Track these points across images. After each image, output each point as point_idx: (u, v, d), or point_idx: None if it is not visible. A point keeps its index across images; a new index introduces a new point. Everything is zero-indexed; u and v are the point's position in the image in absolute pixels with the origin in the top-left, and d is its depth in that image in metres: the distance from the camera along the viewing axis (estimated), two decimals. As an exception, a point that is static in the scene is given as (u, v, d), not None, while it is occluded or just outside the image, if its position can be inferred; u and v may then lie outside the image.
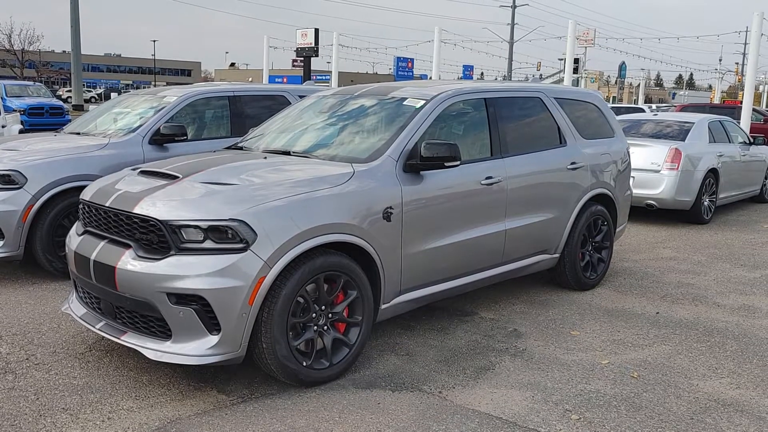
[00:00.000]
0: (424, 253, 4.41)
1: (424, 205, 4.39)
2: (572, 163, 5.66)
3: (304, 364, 3.77)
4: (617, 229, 6.42)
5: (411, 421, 3.51)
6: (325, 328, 3.90)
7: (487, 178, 4.85)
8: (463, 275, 4.83)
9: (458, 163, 4.36)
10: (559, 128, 5.72)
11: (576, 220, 5.75)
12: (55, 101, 23.46)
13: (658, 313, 5.46)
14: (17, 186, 5.69)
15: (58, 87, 64.27)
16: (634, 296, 5.91)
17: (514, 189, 5.06)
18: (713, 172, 9.74)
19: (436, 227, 4.48)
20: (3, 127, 12.19)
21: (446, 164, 4.32)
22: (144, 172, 4.26)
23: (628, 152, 6.56)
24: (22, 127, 14.59)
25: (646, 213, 9.85)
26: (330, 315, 3.92)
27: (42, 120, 21.22)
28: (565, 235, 5.69)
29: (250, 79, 62.79)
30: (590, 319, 5.24)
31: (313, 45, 33.02)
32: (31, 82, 27.62)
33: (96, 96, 55.13)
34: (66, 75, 61.99)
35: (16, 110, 20.14)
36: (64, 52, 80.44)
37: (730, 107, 22.79)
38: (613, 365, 4.32)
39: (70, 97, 35.13)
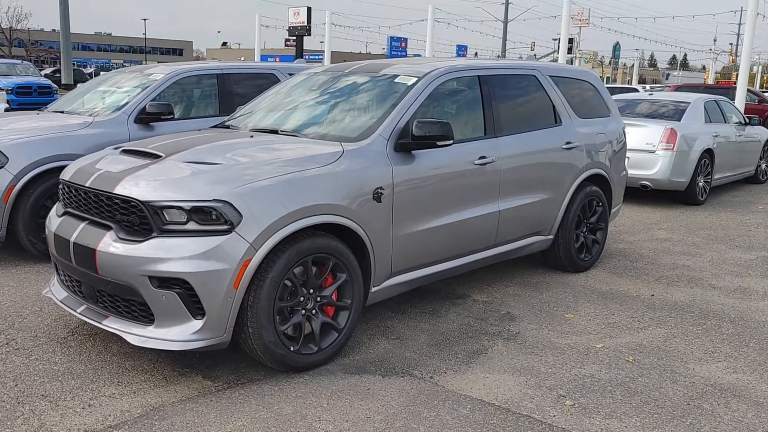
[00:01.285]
0: (415, 234, 4.30)
1: (416, 186, 4.27)
2: (567, 143, 5.54)
3: (292, 349, 3.67)
4: (612, 210, 6.33)
5: (401, 407, 3.42)
6: (314, 312, 3.80)
7: (481, 158, 4.73)
8: (456, 257, 4.73)
9: (451, 142, 4.23)
10: (554, 107, 5.59)
11: (571, 201, 5.64)
12: (43, 80, 23.09)
13: (653, 295, 5.38)
14: (-2, 166, 5.54)
15: (47, 66, 63.46)
16: (629, 278, 5.83)
17: (507, 169, 4.94)
18: (709, 153, 9.65)
19: (427, 208, 4.36)
20: (-12, 105, 11.95)
21: (438, 144, 4.20)
22: (126, 151, 4.11)
23: (624, 132, 6.45)
24: (8, 106, 14.33)
25: (641, 194, 9.76)
26: (318, 299, 3.81)
27: (30, 99, 20.88)
28: (560, 217, 5.59)
29: (242, 59, 62.19)
30: (584, 302, 5.15)
31: (305, 24, 32.63)
32: (19, 61, 27.21)
33: (86, 75, 54.32)
34: (56, 54, 61.29)
35: (3, 89, 19.81)
36: (54, 30, 79.45)
37: (724, 87, 22.68)
38: (607, 349, 4.24)
39: (59, 75, 34.61)
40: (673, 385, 3.75)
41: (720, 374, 3.93)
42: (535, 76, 5.55)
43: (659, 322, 4.77)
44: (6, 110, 13.14)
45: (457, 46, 55.10)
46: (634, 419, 3.36)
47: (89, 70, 59.64)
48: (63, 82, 32.17)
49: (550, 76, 5.70)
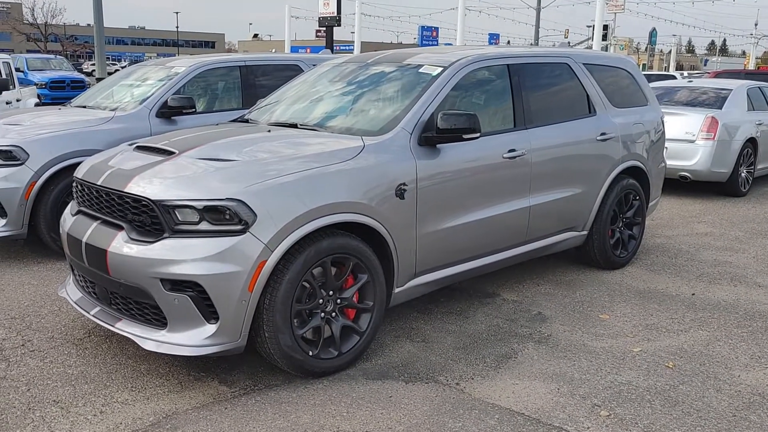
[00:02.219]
0: (440, 232, 4.10)
1: (441, 181, 4.06)
2: (602, 134, 5.27)
3: (311, 353, 3.50)
4: (650, 204, 6.04)
5: (425, 416, 3.23)
6: (333, 314, 3.63)
7: (510, 150, 4.50)
8: (484, 255, 4.52)
9: (478, 135, 4.00)
10: (588, 96, 5.32)
11: (606, 194, 5.37)
12: (76, 74, 23.35)
13: (694, 294, 5.09)
14: (19, 162, 5.47)
15: (83, 60, 64.44)
16: (668, 276, 5.55)
17: (539, 162, 4.70)
18: (752, 142, 9.23)
19: (453, 204, 4.16)
20: (18, 101, 12.03)
21: (464, 136, 3.98)
22: (140, 148, 3.98)
23: (663, 121, 6.14)
24: (38, 100, 14.43)
25: (680, 185, 9.39)
26: (338, 301, 3.64)
27: (64, 93, 21.07)
28: (594, 211, 5.32)
29: (273, 50, 62.27)
30: (621, 302, 4.90)
31: (335, 14, 32.36)
32: (53, 56, 27.54)
33: (120, 69, 55.15)
34: (91, 48, 62.16)
35: (37, 84, 20.05)
36: (89, 25, 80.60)
37: (766, 73, 21.89)
38: (646, 353, 3.99)
39: (95, 70, 35.09)
40: (717, 394, 3.50)
41: (768, 382, 3.66)
42: (567, 64, 5.28)
43: (701, 323, 4.50)
44: (37, 104, 13.24)
45: (489, 34, 54.53)
46: (675, 432, 3.13)
47: (123, 63, 60.42)
48: (97, 76, 32.59)
49: (584, 64, 5.42)
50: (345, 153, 3.73)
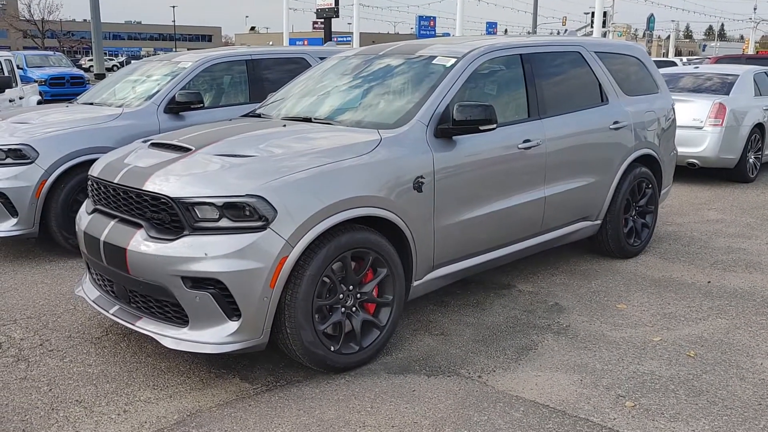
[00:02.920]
0: (458, 224, 4.08)
1: (458, 173, 4.03)
2: (615, 123, 5.24)
3: (332, 348, 3.49)
4: (662, 192, 6.02)
5: (450, 410, 3.22)
6: (354, 309, 3.61)
7: (525, 141, 4.47)
8: (500, 247, 4.50)
9: (494, 126, 3.98)
10: (600, 85, 5.29)
11: (619, 183, 5.35)
12: (75, 71, 23.24)
13: (709, 282, 5.08)
14: (29, 161, 5.44)
15: (80, 56, 64.31)
16: (682, 264, 5.53)
17: (553, 152, 4.68)
18: (759, 128, 9.20)
19: (470, 196, 4.13)
20: (21, 98, 11.97)
21: (481, 128, 3.95)
22: (155, 145, 3.95)
23: (673, 109, 6.11)
24: (40, 98, 14.36)
25: (688, 172, 9.36)
26: (358, 295, 3.62)
27: (63, 90, 21.01)
28: (608, 201, 5.30)
29: (270, 43, 62.04)
30: (637, 291, 4.88)
31: (333, 5, 32.25)
32: (52, 52, 27.41)
33: (118, 64, 54.96)
34: (88, 44, 61.97)
35: (37, 81, 19.96)
36: (85, 21, 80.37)
37: (766, 58, 21.80)
38: (666, 342, 3.98)
39: (92, 66, 34.90)
40: (741, 383, 3.49)
41: (791, 369, 3.65)
42: (579, 52, 5.24)
43: (719, 311, 4.49)
44: (39, 102, 13.18)
45: (487, 23, 54.38)
46: (702, 422, 3.12)
47: (121, 58, 60.30)
48: (95, 71, 32.42)
49: (595, 52, 5.39)
50: (362, 147, 3.71)
